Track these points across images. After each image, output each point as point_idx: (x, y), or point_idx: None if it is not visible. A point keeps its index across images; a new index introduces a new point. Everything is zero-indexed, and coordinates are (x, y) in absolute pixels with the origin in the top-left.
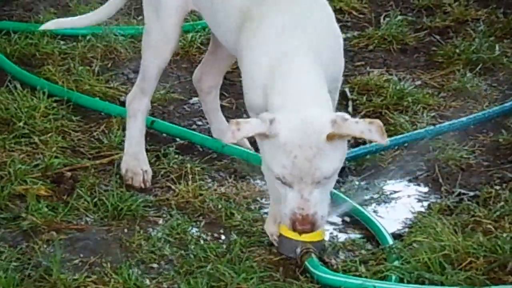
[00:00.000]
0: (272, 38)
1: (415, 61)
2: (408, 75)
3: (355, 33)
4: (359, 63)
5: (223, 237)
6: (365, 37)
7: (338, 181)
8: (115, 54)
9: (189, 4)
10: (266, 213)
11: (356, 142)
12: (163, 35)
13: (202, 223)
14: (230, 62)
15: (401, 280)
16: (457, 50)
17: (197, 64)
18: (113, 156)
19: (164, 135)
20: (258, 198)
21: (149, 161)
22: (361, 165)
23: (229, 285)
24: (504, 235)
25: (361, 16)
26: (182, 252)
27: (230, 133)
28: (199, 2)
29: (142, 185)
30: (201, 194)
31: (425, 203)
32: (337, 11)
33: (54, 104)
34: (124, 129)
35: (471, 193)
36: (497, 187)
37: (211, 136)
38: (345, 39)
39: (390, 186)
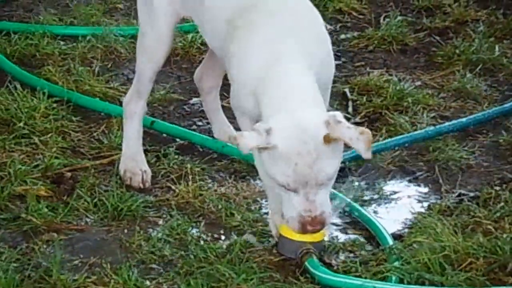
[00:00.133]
0: (263, 45)
1: (415, 62)
2: (408, 76)
3: (355, 33)
4: (359, 64)
5: (223, 237)
6: (365, 38)
7: (338, 181)
8: (115, 55)
9: (180, 11)
10: (266, 213)
11: None
12: (156, 39)
13: (202, 224)
14: None
15: (401, 281)
16: (457, 51)
17: (197, 64)
18: (113, 157)
19: (164, 135)
20: (258, 199)
21: (149, 161)
22: (361, 165)
23: (229, 286)
24: (504, 235)
25: (361, 16)
26: (182, 252)
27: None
28: (188, 11)
29: (141, 185)
30: (201, 195)
31: (425, 204)
32: (337, 11)
33: (54, 105)
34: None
35: (471, 194)
36: (497, 188)
37: (211, 137)
38: (345, 40)
39: (390, 186)
